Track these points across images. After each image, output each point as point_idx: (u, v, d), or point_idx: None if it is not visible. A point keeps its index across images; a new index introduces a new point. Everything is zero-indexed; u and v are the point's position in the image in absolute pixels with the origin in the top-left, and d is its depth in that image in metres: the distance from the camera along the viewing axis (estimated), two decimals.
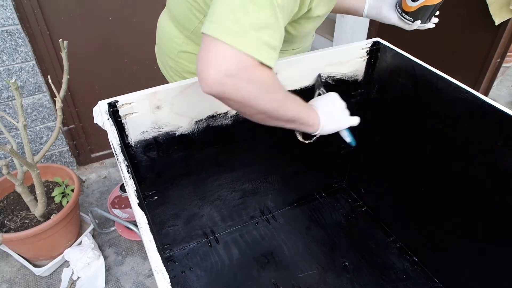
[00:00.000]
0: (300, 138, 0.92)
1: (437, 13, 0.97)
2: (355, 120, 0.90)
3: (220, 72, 0.58)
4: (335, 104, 0.89)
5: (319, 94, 0.94)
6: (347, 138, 0.93)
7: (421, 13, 0.94)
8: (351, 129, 0.93)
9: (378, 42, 1.09)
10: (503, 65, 1.75)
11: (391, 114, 1.14)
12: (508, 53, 1.58)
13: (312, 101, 0.90)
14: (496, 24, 1.48)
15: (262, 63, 0.61)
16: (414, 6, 0.93)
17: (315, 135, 0.86)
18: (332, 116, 0.86)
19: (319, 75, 1.02)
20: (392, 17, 1.00)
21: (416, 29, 1.00)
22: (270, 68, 0.63)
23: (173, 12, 0.95)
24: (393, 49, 1.06)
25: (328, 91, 0.95)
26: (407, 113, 1.08)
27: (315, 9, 0.75)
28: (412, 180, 1.14)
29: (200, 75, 0.60)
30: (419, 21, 0.96)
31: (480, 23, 1.55)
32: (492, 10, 1.48)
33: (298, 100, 0.77)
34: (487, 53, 1.57)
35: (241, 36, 0.58)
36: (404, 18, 0.97)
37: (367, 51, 1.09)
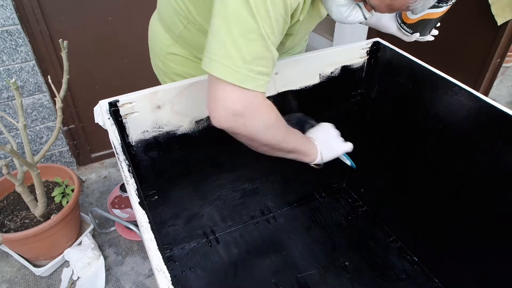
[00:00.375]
0: (312, 164, 0.93)
1: (438, 24, 0.97)
2: (348, 147, 0.94)
3: (229, 111, 0.64)
4: (329, 133, 0.93)
5: (312, 126, 0.96)
6: (347, 161, 0.97)
7: (421, 26, 0.95)
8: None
9: (378, 42, 1.09)
10: (503, 65, 1.75)
11: (391, 114, 1.14)
12: (508, 53, 1.58)
13: (307, 133, 0.93)
14: (499, 24, 1.48)
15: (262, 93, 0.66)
16: (414, 18, 0.93)
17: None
18: (328, 145, 0.90)
19: (302, 114, 1.02)
20: (391, 27, 1.01)
21: (415, 40, 1.01)
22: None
23: (161, 14, 0.95)
24: (393, 49, 1.06)
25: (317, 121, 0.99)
26: (407, 113, 1.08)
27: (294, 26, 0.76)
28: (412, 180, 1.14)
29: (211, 113, 0.66)
30: (417, 34, 0.97)
31: (480, 23, 1.55)
32: (495, 10, 1.47)
33: (297, 133, 0.84)
34: (487, 53, 1.56)
35: (236, 72, 0.62)
36: (403, 29, 0.98)
37: (367, 51, 1.09)
